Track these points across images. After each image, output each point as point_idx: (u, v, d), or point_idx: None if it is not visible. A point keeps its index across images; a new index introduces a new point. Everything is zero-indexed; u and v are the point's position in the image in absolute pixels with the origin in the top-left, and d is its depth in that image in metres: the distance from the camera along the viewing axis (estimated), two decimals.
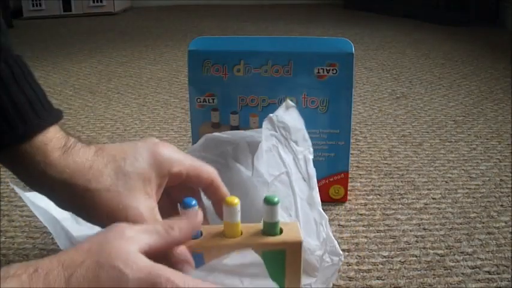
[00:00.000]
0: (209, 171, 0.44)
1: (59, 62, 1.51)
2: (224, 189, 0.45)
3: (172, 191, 0.44)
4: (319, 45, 0.66)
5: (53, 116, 0.42)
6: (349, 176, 0.71)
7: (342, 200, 0.71)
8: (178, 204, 0.43)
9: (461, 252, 0.60)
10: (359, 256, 0.60)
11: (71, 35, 1.95)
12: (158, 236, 0.36)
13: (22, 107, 0.39)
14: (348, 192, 0.71)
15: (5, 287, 0.29)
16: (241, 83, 0.66)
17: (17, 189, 0.50)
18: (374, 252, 0.60)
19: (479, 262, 0.58)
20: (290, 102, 0.59)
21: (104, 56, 1.56)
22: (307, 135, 0.58)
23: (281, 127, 0.56)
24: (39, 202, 0.51)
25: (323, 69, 0.65)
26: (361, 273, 0.56)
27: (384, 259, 0.59)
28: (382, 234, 0.64)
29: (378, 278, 0.56)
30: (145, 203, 0.40)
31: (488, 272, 0.56)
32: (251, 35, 1.81)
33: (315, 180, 0.56)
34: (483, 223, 0.66)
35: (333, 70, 0.65)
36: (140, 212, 0.39)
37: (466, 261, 0.58)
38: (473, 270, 0.57)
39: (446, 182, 0.77)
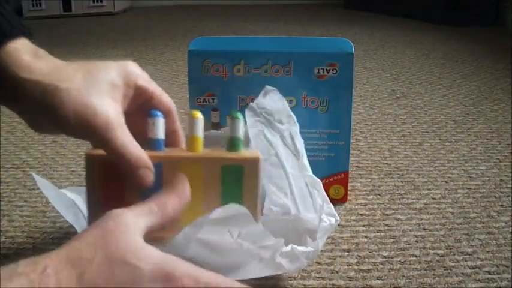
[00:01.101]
0: (170, 100, 0.46)
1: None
2: (179, 123, 0.46)
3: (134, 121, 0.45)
4: (319, 45, 0.66)
5: (25, 30, 0.43)
6: (349, 176, 0.71)
7: (342, 200, 0.71)
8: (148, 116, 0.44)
9: (461, 252, 0.60)
10: (359, 256, 0.60)
11: (71, 35, 1.95)
12: (154, 216, 0.37)
13: None
14: (348, 192, 0.71)
15: (14, 286, 0.29)
16: (241, 83, 0.67)
17: (36, 177, 0.52)
18: (374, 252, 0.60)
19: (479, 262, 0.58)
20: (269, 87, 0.60)
21: (104, 56, 1.56)
22: (290, 112, 0.59)
23: (263, 112, 0.58)
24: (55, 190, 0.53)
25: (323, 69, 0.65)
26: (361, 273, 0.56)
27: (384, 259, 0.59)
28: (382, 234, 0.64)
29: (378, 278, 0.56)
30: (112, 106, 0.41)
31: (488, 272, 0.56)
32: (251, 35, 1.81)
33: (302, 149, 0.58)
34: (483, 223, 0.66)
35: (333, 70, 0.65)
36: (107, 113, 0.40)
37: (466, 261, 0.58)
38: (473, 270, 0.57)
39: (446, 182, 0.77)
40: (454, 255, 0.59)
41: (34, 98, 0.39)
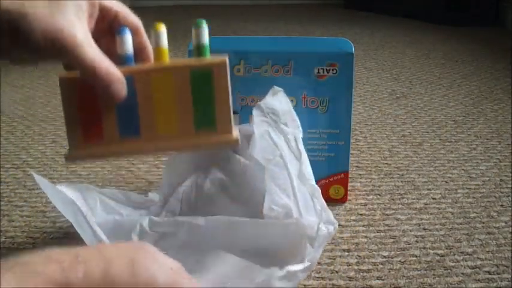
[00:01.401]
0: (136, 17, 0.46)
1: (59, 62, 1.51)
2: (147, 39, 0.47)
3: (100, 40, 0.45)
4: (319, 45, 0.66)
5: None
6: (349, 176, 0.71)
7: (342, 200, 0.71)
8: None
9: (461, 252, 0.60)
10: (359, 256, 0.60)
11: None
12: None
13: None
14: (348, 192, 0.71)
15: (47, 270, 0.30)
16: (241, 83, 0.67)
17: (36, 176, 0.53)
18: (374, 252, 0.60)
19: (479, 262, 0.58)
20: (277, 88, 0.61)
21: None
22: (295, 115, 0.60)
23: (270, 112, 0.59)
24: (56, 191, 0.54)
25: (323, 69, 0.65)
26: (361, 273, 0.56)
27: (384, 259, 0.59)
28: (382, 234, 0.64)
29: (378, 278, 0.56)
30: (79, 24, 0.41)
31: (488, 272, 0.56)
32: (251, 35, 1.81)
33: (304, 155, 0.59)
34: (483, 223, 0.66)
35: (333, 70, 0.65)
36: (74, 31, 0.40)
37: (466, 261, 0.58)
38: (473, 270, 0.57)
39: (446, 182, 0.77)
40: (454, 255, 0.59)
41: (1, 27, 0.40)
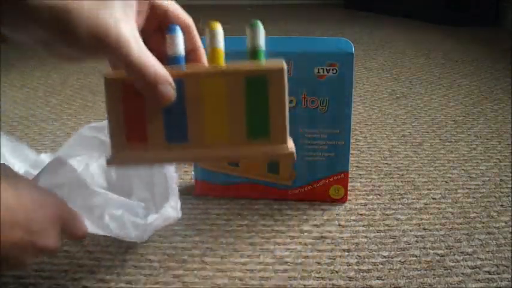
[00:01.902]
0: (187, 16, 0.44)
1: (59, 62, 1.51)
2: (198, 39, 0.44)
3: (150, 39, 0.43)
4: (319, 45, 0.66)
5: None
6: (349, 176, 0.71)
7: (342, 200, 0.71)
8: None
9: (461, 252, 0.60)
10: (359, 256, 0.60)
11: None
12: None
13: None
14: (348, 192, 0.71)
15: None
16: None
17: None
18: (374, 252, 0.60)
19: (479, 262, 0.58)
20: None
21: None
22: None
23: None
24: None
25: (323, 69, 0.65)
26: (361, 273, 0.56)
27: (384, 259, 0.59)
28: (382, 234, 0.64)
29: (378, 278, 0.56)
30: (125, 20, 0.39)
31: (488, 272, 0.56)
32: None
33: None
34: (483, 223, 0.66)
35: (333, 70, 0.65)
36: (119, 28, 0.38)
37: (466, 261, 0.58)
38: (473, 270, 0.57)
39: (446, 182, 0.77)
40: (454, 255, 0.59)
41: (46, 24, 0.38)
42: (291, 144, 0.43)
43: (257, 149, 0.42)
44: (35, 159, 0.67)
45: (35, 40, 0.40)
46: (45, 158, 0.68)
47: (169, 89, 0.40)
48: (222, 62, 0.43)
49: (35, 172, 0.55)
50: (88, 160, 0.66)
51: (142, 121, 0.42)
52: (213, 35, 0.42)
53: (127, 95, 0.42)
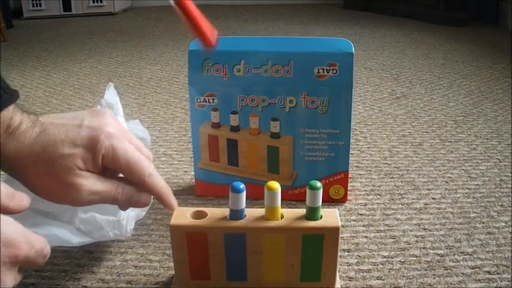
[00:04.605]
0: (143, 165, 0.49)
1: (59, 62, 1.51)
2: (161, 186, 0.50)
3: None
4: (319, 45, 0.66)
5: (11, 97, 0.46)
6: (349, 176, 0.71)
7: (342, 200, 0.71)
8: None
9: (461, 252, 0.60)
10: (359, 256, 0.60)
11: (70, 35, 1.95)
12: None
13: None
14: (348, 192, 0.71)
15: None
16: (241, 83, 0.67)
17: None
18: (374, 252, 0.60)
19: (479, 262, 0.58)
20: (110, 83, 0.69)
21: (104, 56, 1.56)
22: (120, 106, 0.67)
23: (107, 106, 0.65)
24: None
25: (323, 69, 0.65)
26: (361, 273, 0.56)
27: (384, 259, 0.59)
28: (382, 234, 0.64)
29: (378, 278, 0.56)
30: (87, 179, 0.46)
31: (488, 272, 0.56)
32: (251, 35, 1.81)
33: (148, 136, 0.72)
34: (483, 223, 0.66)
35: (333, 70, 0.65)
36: (85, 187, 0.46)
37: (466, 261, 0.58)
38: (473, 270, 0.57)
39: (446, 182, 0.77)
40: (454, 255, 0.59)
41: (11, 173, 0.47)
42: (338, 285, 0.50)
43: None
44: None
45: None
46: None
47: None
48: (279, 217, 0.48)
49: None
50: None
51: (206, 261, 0.49)
52: (272, 195, 0.47)
53: (191, 239, 0.48)
